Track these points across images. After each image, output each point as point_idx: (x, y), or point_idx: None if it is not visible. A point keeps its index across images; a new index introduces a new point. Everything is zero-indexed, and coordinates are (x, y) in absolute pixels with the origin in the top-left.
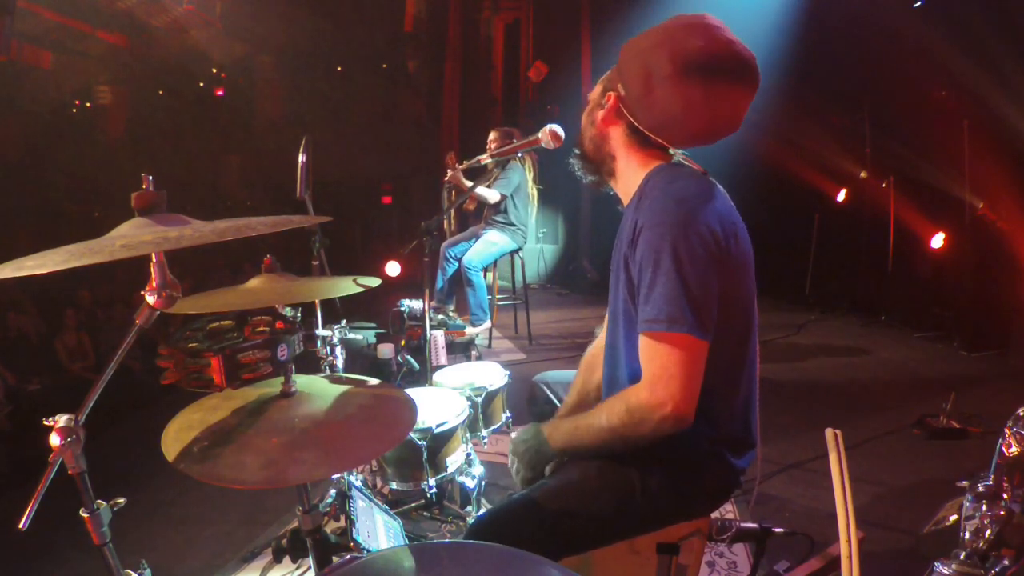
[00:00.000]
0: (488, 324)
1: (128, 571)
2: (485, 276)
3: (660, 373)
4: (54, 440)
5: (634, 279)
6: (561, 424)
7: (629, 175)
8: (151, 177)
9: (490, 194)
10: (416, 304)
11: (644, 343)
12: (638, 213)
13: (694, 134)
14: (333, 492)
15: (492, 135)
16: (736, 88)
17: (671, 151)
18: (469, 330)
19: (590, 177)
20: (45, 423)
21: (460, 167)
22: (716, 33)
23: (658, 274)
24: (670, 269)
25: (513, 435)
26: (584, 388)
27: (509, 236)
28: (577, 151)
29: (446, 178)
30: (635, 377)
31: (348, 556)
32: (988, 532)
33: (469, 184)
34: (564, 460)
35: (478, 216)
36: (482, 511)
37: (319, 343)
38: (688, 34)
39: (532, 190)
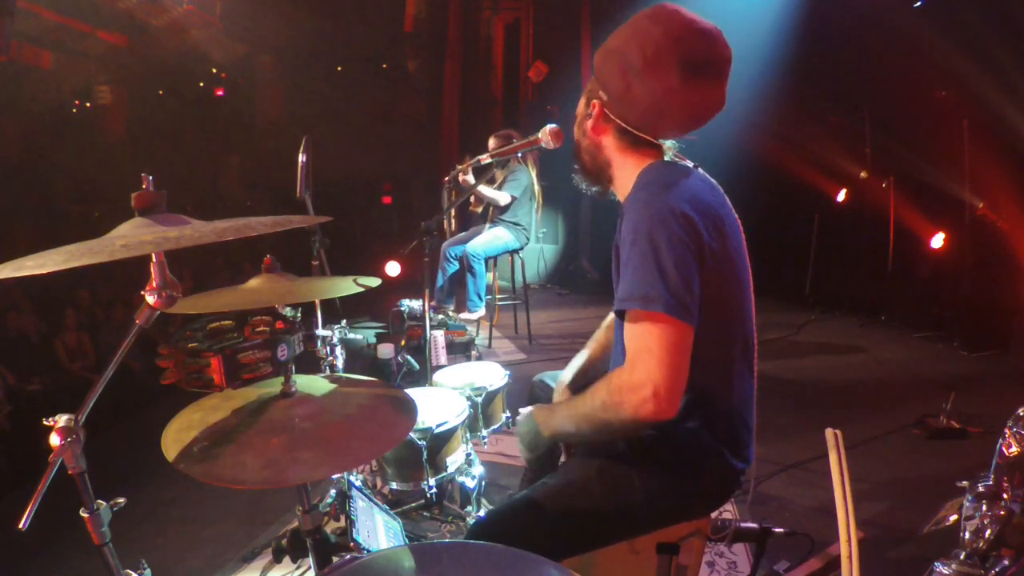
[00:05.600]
0: (482, 312)
1: (128, 571)
2: (487, 268)
3: (639, 353)
4: (54, 440)
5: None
6: (556, 409)
7: (626, 177)
8: (151, 177)
9: (500, 196)
10: (416, 304)
11: (625, 325)
12: (628, 201)
13: (682, 120)
14: (333, 492)
15: (492, 143)
16: (710, 65)
17: (664, 149)
18: (461, 316)
19: (594, 188)
20: (45, 423)
21: (462, 166)
22: (676, 17)
23: (633, 254)
24: (646, 249)
25: (519, 417)
26: (592, 357)
27: (514, 234)
28: (576, 165)
29: (446, 178)
30: None
31: (348, 556)
32: (988, 532)
33: (481, 188)
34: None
35: (483, 217)
36: (482, 511)
37: (319, 343)
38: (650, 23)
39: (537, 189)
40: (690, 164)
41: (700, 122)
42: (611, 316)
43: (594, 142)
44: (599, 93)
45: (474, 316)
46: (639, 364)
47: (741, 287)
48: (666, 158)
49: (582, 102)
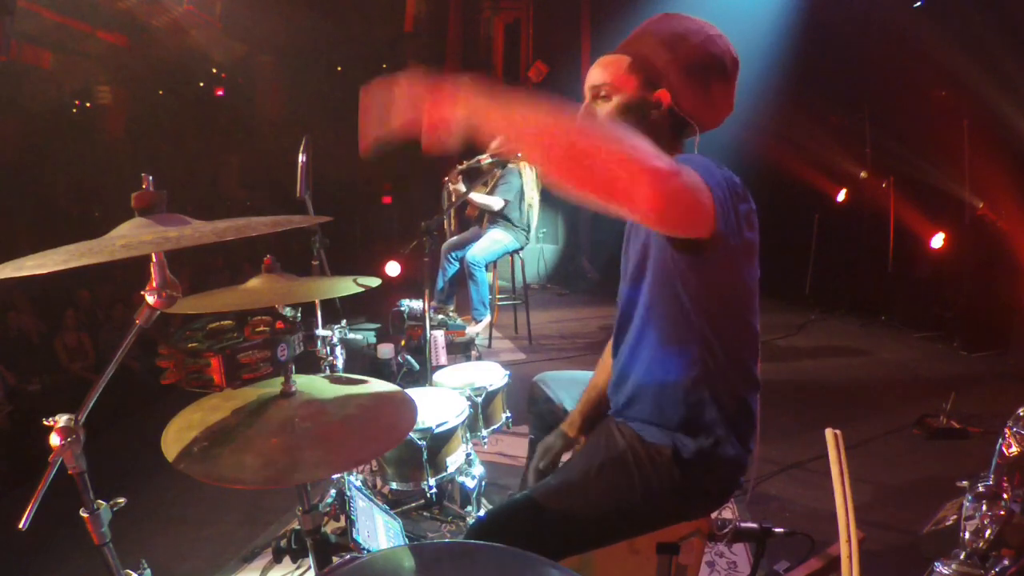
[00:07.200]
0: (489, 319)
1: (128, 571)
2: (487, 272)
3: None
4: (54, 440)
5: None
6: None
7: None
8: (151, 177)
9: (492, 201)
10: (416, 304)
11: None
12: None
13: (715, 124)
14: (333, 492)
15: (496, 140)
16: (735, 79)
17: None
18: (470, 329)
19: None
20: (45, 423)
21: (460, 167)
22: (722, 34)
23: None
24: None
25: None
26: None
27: (512, 235)
28: None
29: (446, 178)
30: (670, 377)
31: (348, 556)
32: (988, 532)
33: (473, 196)
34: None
35: (479, 221)
36: (482, 511)
37: (319, 343)
38: (724, 40)
39: (533, 191)
40: None
41: (717, 126)
42: (608, 352)
43: (649, 131)
44: (664, 83)
45: (482, 324)
46: (666, 173)
47: (755, 278)
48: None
49: (633, 81)
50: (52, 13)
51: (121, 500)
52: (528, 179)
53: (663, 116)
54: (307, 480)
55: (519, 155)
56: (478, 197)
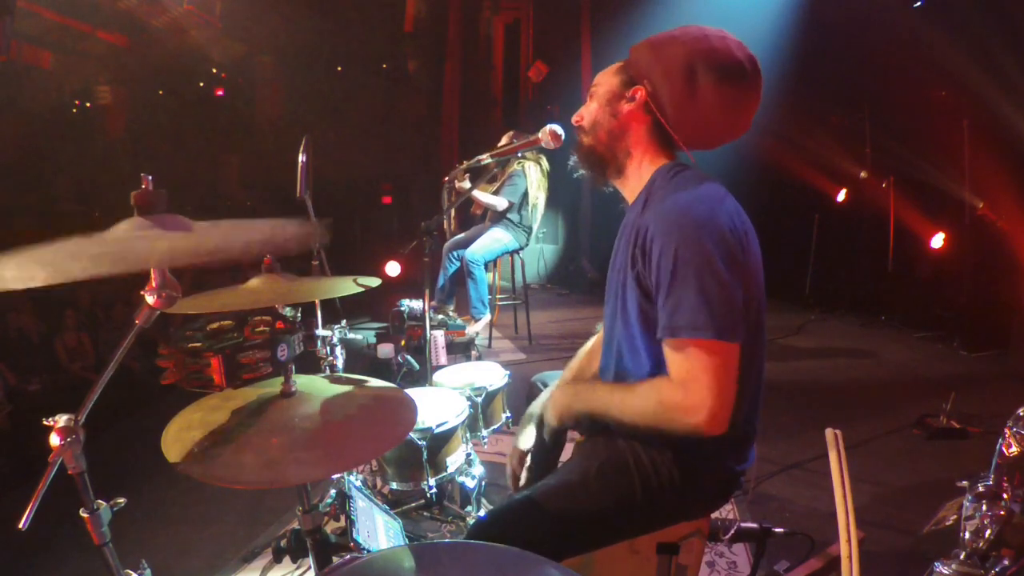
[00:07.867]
0: (488, 318)
1: (128, 571)
2: (487, 271)
3: (688, 378)
4: (54, 440)
5: (650, 281)
6: (588, 391)
7: (640, 173)
8: (151, 177)
9: (497, 202)
10: (416, 304)
11: (670, 350)
12: (649, 212)
13: (716, 137)
14: (333, 492)
15: (504, 139)
16: (756, 94)
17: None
18: (469, 328)
19: (594, 173)
20: (45, 423)
21: (461, 167)
22: (737, 41)
23: (676, 279)
24: (689, 275)
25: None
26: (581, 373)
27: (513, 235)
28: (586, 144)
29: (446, 178)
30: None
31: (348, 556)
32: (988, 532)
33: (477, 194)
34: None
35: (483, 219)
36: (483, 511)
37: (319, 343)
38: (725, 41)
39: (539, 192)
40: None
41: (723, 143)
42: (590, 343)
43: (622, 127)
44: (644, 81)
45: (481, 323)
46: (692, 388)
47: (760, 294)
48: (678, 160)
49: (616, 80)
50: (52, 13)
51: (121, 500)
52: (533, 180)
53: (638, 110)
54: (307, 480)
55: (523, 154)
56: (483, 196)
